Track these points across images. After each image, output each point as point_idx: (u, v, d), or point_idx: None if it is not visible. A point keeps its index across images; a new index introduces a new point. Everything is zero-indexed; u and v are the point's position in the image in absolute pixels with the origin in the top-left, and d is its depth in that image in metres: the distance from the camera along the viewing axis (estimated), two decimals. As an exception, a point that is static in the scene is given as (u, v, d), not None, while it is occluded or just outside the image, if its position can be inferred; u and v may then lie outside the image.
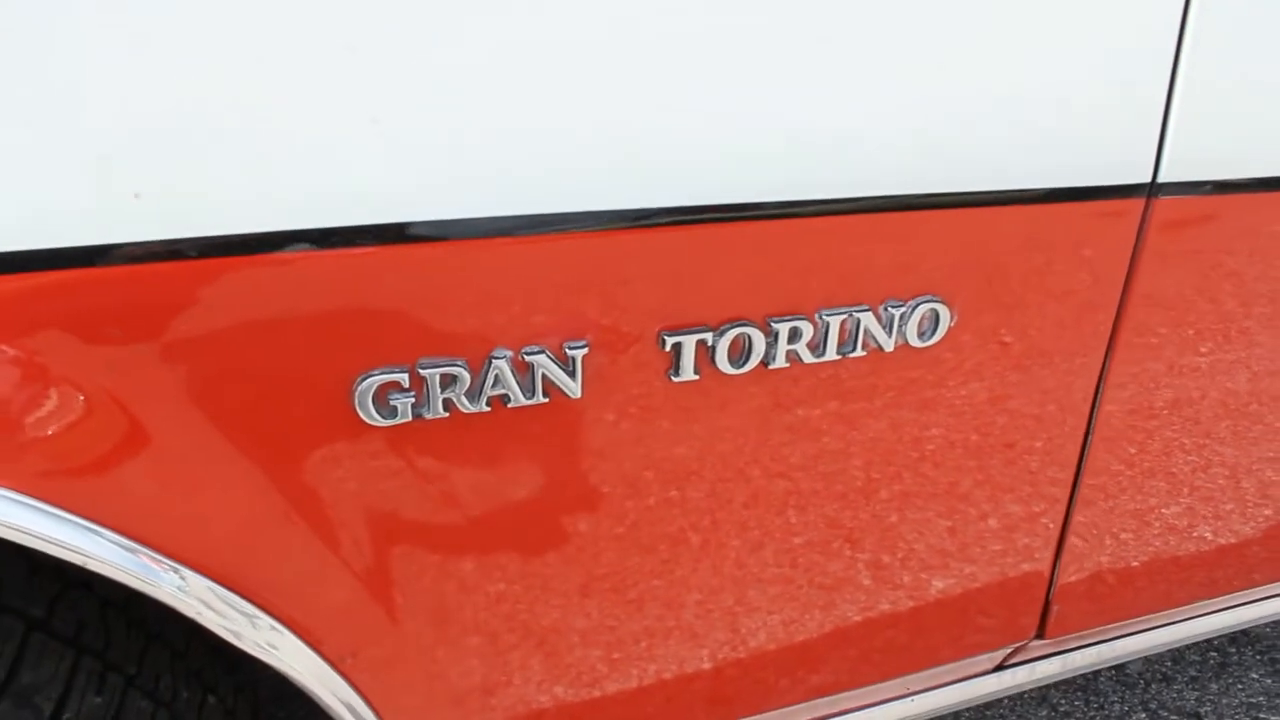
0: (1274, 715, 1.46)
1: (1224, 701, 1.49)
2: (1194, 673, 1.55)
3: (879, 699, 0.88)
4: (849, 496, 0.67)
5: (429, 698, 0.60)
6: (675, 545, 0.64)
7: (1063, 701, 1.48)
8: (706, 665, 0.72)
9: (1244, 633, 1.62)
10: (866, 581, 0.75)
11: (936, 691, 0.93)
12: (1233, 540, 0.92)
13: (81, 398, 0.44)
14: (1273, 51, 0.61)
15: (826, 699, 0.80)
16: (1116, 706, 1.47)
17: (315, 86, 0.43)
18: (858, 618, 0.75)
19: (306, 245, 0.44)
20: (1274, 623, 1.64)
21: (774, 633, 0.74)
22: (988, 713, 1.44)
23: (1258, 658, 1.58)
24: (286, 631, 0.52)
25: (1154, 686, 1.51)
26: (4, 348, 0.43)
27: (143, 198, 0.42)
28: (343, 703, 0.56)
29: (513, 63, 0.45)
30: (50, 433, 0.45)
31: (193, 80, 0.42)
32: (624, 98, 0.47)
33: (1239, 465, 0.82)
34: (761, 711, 0.78)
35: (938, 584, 0.75)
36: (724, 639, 0.72)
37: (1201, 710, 1.47)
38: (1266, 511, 0.91)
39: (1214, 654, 1.58)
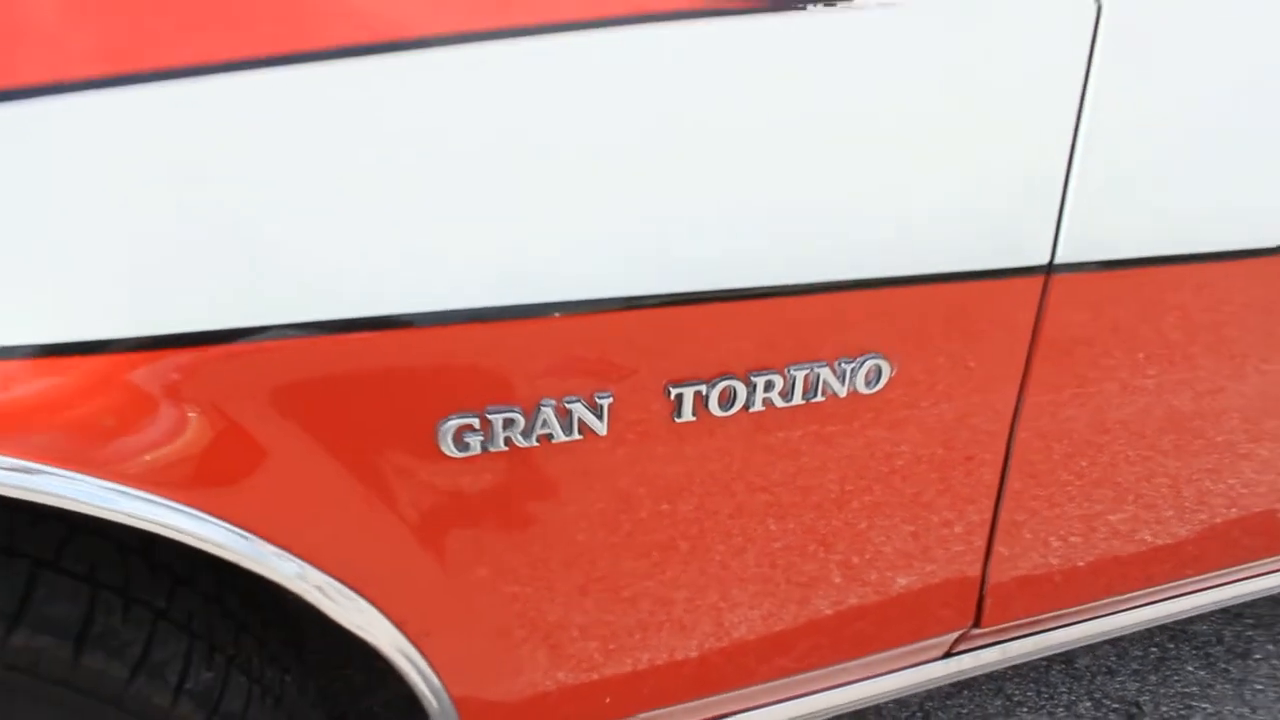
0: (1205, 703, 1.64)
1: (1161, 691, 1.66)
2: (1135, 666, 1.72)
3: (846, 680, 1.05)
4: (823, 507, 0.84)
5: (487, 669, 0.77)
6: (675, 550, 0.80)
7: (1016, 692, 1.64)
8: (693, 654, 0.89)
9: (1182, 630, 1.79)
10: (837, 579, 0.92)
11: (896, 674, 1.09)
12: (1141, 542, 1.09)
13: (240, 436, 0.61)
14: (1149, 158, 0.78)
15: (798, 677, 0.97)
16: (1065, 696, 1.64)
17: (404, 216, 0.59)
18: (829, 610, 0.92)
19: (403, 325, 0.61)
20: (1209, 620, 1.82)
21: (753, 625, 0.91)
22: (949, 703, 1.61)
23: (1194, 652, 1.75)
24: (378, 613, 0.68)
25: (1099, 678, 1.68)
26: (189, 402, 0.59)
27: (293, 290, 0.58)
28: (418, 671, 0.72)
29: (554, 196, 0.62)
30: (216, 462, 0.61)
31: (329, 209, 0.58)
32: (628, 213, 0.64)
33: (1120, 477, 1.00)
34: (740, 688, 0.94)
35: (888, 580, 0.92)
36: (709, 631, 0.89)
37: (1141, 700, 1.64)
38: (1166, 514, 1.09)
39: (1154, 649, 1.75)
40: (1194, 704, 1.63)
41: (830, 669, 0.97)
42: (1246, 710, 1.62)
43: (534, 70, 0.60)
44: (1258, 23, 0.80)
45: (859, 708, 1.17)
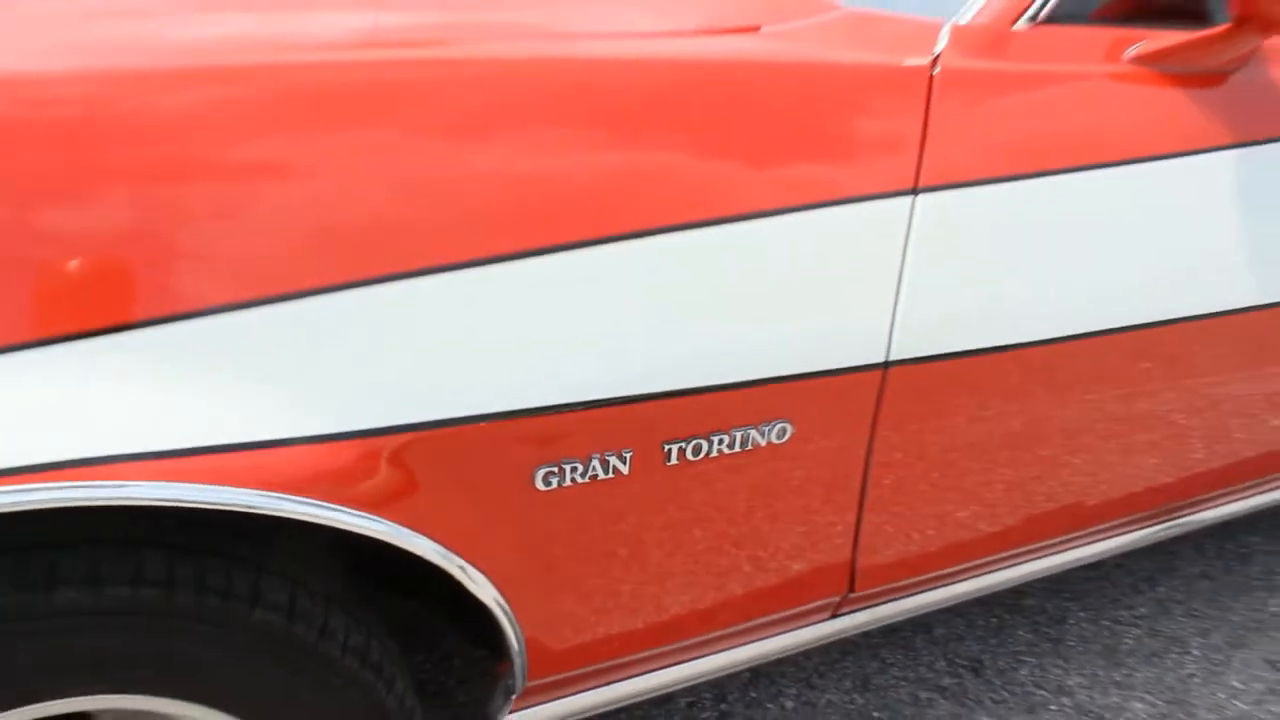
0: (1030, 658, 2.17)
1: (998, 650, 2.20)
2: (979, 633, 2.26)
3: (762, 635, 1.55)
4: (736, 519, 1.34)
5: (548, 620, 1.24)
6: (655, 546, 1.29)
7: (889, 656, 2.16)
8: (670, 613, 1.38)
9: (1015, 603, 2.34)
10: (747, 568, 1.41)
11: (798, 631, 1.59)
12: (979, 530, 1.61)
13: (419, 479, 1.07)
14: (966, 268, 1.30)
15: (720, 632, 1.46)
16: (925, 656, 2.16)
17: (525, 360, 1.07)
18: (740, 591, 1.42)
19: (517, 416, 1.08)
20: (1035, 595, 2.38)
21: (683, 606, 1.39)
22: (837, 666, 2.11)
23: (1024, 621, 2.30)
24: (489, 582, 1.15)
25: (951, 643, 2.22)
26: (395, 461, 1.05)
27: (462, 399, 1.05)
28: (508, 619, 1.18)
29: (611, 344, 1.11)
30: (407, 495, 1.07)
31: (483, 359, 1.06)
32: (651, 349, 1.13)
33: (966, 484, 1.52)
34: (673, 642, 1.43)
35: (785, 566, 1.42)
36: (680, 600, 1.37)
37: (983, 657, 2.18)
38: (1000, 511, 1.61)
39: (994, 619, 2.29)
40: (1023, 659, 2.18)
41: (747, 624, 1.47)
42: (1061, 662, 2.17)
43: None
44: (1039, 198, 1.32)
45: (774, 658, 1.66)
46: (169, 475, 0.94)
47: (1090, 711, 2.04)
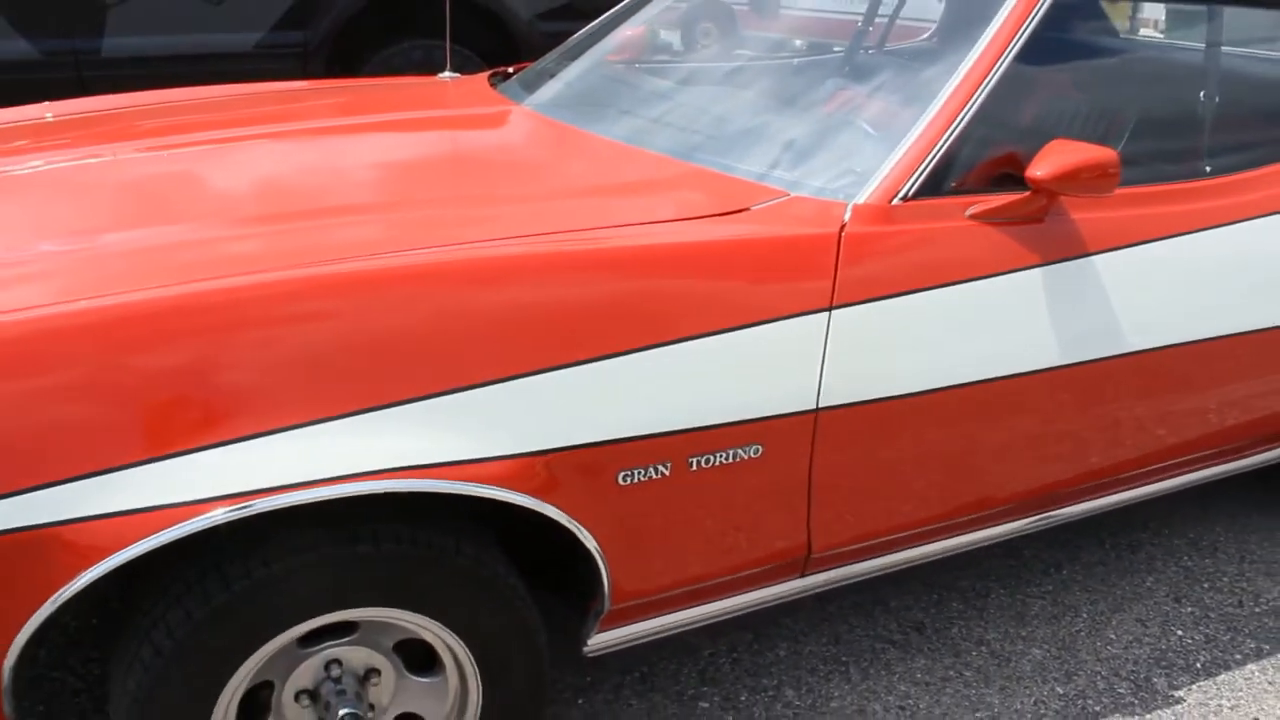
0: (962, 620, 3.12)
1: (937, 616, 3.16)
2: (923, 604, 3.23)
3: (752, 587, 2.57)
4: (732, 503, 2.36)
5: (627, 568, 2.25)
6: (685, 522, 2.32)
7: (854, 620, 3.15)
8: (688, 571, 2.40)
9: (952, 583, 3.32)
10: (738, 536, 2.44)
11: (779, 585, 2.60)
12: (907, 513, 2.64)
13: (558, 476, 2.11)
14: (861, 352, 2.34)
15: (727, 578, 2.49)
16: (881, 620, 3.14)
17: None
18: (735, 552, 2.44)
19: (615, 442, 2.13)
20: (965, 576, 3.38)
21: (700, 562, 2.41)
22: (817, 627, 3.12)
23: (958, 596, 3.29)
24: (592, 537, 2.16)
25: (901, 612, 3.18)
26: (541, 467, 2.09)
27: (578, 431, 2.10)
28: (603, 563, 2.19)
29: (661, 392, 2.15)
30: (552, 483, 2.11)
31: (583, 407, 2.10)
32: (680, 399, 2.18)
33: (901, 480, 2.56)
34: (694, 584, 2.45)
35: (768, 539, 2.45)
36: (684, 563, 2.40)
37: (924, 621, 3.16)
38: (928, 496, 2.64)
39: (935, 595, 3.26)
40: (954, 622, 3.15)
41: (741, 573, 2.49)
42: (982, 623, 3.13)
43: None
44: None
45: (768, 604, 2.62)
46: (438, 476, 1.99)
47: (1000, 654, 3.02)
